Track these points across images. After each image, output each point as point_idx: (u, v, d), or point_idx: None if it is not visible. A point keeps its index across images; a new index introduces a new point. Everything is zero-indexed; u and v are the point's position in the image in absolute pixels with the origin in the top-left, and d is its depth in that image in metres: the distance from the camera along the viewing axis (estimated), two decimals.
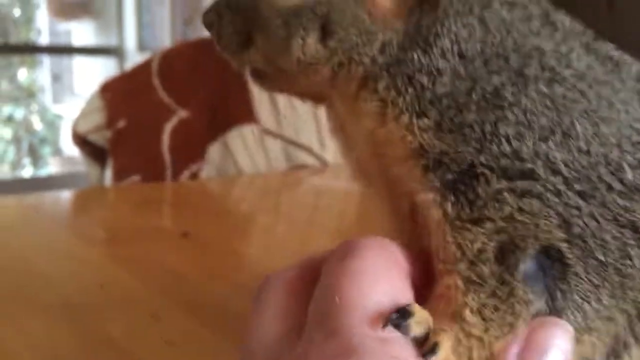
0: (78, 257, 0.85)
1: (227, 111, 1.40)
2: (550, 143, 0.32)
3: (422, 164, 0.34)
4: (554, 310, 0.32)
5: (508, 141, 0.32)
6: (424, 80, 0.34)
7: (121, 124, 1.34)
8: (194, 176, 1.40)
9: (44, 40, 6.07)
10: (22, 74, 6.16)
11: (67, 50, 6.03)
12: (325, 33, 0.36)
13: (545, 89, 0.33)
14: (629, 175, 0.33)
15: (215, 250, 0.89)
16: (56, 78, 6.11)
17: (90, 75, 5.79)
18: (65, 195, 1.37)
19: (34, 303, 0.68)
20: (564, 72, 0.34)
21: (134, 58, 5.22)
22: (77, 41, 5.89)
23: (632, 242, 0.32)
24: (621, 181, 0.32)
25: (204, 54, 1.43)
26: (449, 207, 0.32)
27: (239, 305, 0.71)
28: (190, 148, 1.38)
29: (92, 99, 1.39)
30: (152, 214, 1.09)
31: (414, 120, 0.34)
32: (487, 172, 0.32)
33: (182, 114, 1.38)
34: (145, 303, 0.70)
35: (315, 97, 0.41)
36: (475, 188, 0.32)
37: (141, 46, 5.14)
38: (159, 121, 1.36)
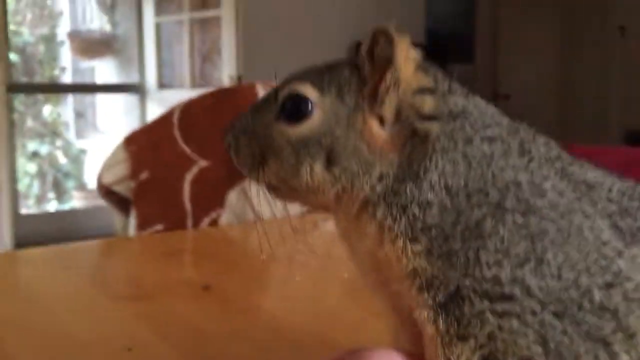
0: (104, 316, 0.89)
1: None
2: (526, 269, 0.37)
3: (417, 285, 0.39)
4: None
5: (489, 268, 0.37)
6: (416, 210, 0.39)
7: (144, 175, 1.40)
8: (214, 223, 1.45)
9: (67, 77, 6.22)
10: (47, 111, 6.32)
11: (90, 88, 6.18)
12: (329, 162, 0.41)
13: (520, 220, 0.38)
14: (597, 296, 0.37)
15: (234, 306, 0.93)
16: (79, 114, 6.25)
17: (113, 111, 5.92)
18: (91, 245, 1.42)
19: None
20: (538, 202, 0.39)
21: (155, 95, 5.33)
22: (100, 78, 6.04)
23: (604, 354, 0.37)
24: (590, 301, 0.37)
25: (222, 104, 1.48)
26: (440, 324, 0.38)
27: None
28: (210, 196, 1.43)
29: (116, 151, 1.44)
30: (175, 266, 1.13)
31: (408, 245, 0.39)
32: (471, 294, 0.37)
33: (202, 163, 1.43)
34: None
35: (325, 209, 0.45)
36: (462, 308, 0.37)
37: (161, 83, 5.25)
38: (180, 172, 1.41)
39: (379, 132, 0.42)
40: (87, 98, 6.25)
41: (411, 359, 0.40)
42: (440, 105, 0.42)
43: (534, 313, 0.36)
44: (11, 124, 5.12)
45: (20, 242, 5.06)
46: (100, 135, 6.13)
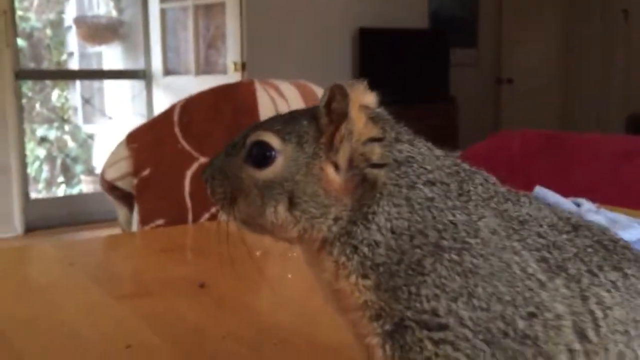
0: (106, 313, 0.95)
1: None
2: (459, 302, 0.42)
3: (367, 315, 0.44)
4: None
5: (428, 301, 0.42)
6: (365, 250, 0.45)
7: (146, 172, 1.45)
8: (214, 217, 1.50)
9: (75, 62, 6.27)
10: (55, 96, 6.38)
11: (97, 74, 6.23)
12: (291, 204, 0.47)
13: (456, 258, 0.43)
14: (520, 325, 0.42)
15: (228, 304, 0.99)
16: (87, 100, 6.31)
17: (119, 97, 5.97)
18: (96, 241, 1.47)
19: None
20: (471, 241, 0.44)
21: (161, 81, 5.37)
22: (107, 64, 6.09)
23: None
24: (514, 330, 0.42)
25: (221, 102, 1.53)
26: (387, 350, 0.43)
27: None
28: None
29: (118, 149, 1.50)
30: (173, 263, 1.19)
31: (360, 281, 0.44)
32: (412, 324, 0.42)
33: (202, 160, 1.48)
34: None
35: (292, 243, 0.51)
36: (404, 336, 0.43)
37: (167, 70, 5.29)
38: (180, 168, 1.46)
39: (334, 178, 0.46)
40: (94, 84, 6.31)
41: None
42: (386, 154, 0.47)
43: (466, 340, 0.41)
44: (20, 110, 5.19)
45: (30, 226, 5.15)
46: (107, 120, 6.19)
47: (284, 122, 0.49)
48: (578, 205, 1.28)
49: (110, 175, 1.48)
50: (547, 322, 0.42)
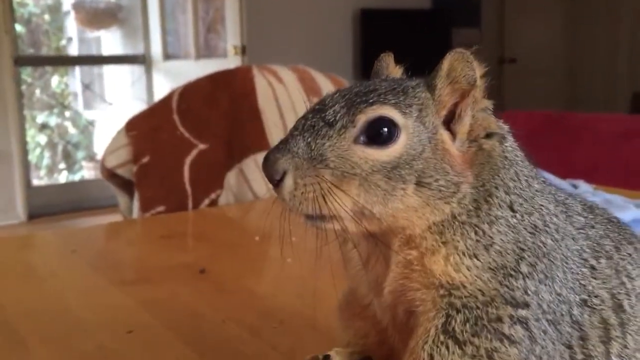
0: (110, 301, 0.96)
1: (242, 141, 1.51)
2: (544, 285, 0.43)
3: (440, 293, 0.43)
4: None
5: (523, 278, 0.43)
6: (486, 227, 0.43)
7: (145, 159, 1.46)
8: (213, 203, 1.51)
9: (74, 48, 6.25)
10: (55, 82, 6.36)
11: (97, 60, 6.21)
12: (419, 184, 0.43)
13: (544, 240, 0.44)
14: (575, 311, 0.44)
15: (227, 289, 1.00)
16: (87, 86, 6.30)
17: (119, 82, 5.96)
18: (97, 228, 1.49)
19: (72, 350, 0.80)
20: (551, 225, 0.45)
21: (160, 66, 5.36)
22: (106, 49, 6.07)
23: (567, 357, 0.44)
24: (570, 315, 0.44)
25: (219, 89, 1.53)
26: (441, 324, 0.42)
27: (248, 347, 0.81)
28: (210, 178, 1.49)
29: (118, 136, 1.50)
30: (173, 249, 1.20)
31: (464, 261, 0.43)
32: (500, 300, 0.42)
33: (201, 147, 1.49)
34: (166, 348, 0.80)
35: (365, 236, 0.47)
36: (487, 313, 0.42)
37: (166, 54, 5.27)
38: (180, 155, 1.47)
39: (455, 151, 0.44)
40: (94, 69, 6.29)
41: None
42: (499, 124, 0.47)
43: (537, 320, 0.42)
44: (19, 96, 5.18)
45: (33, 213, 5.17)
46: (107, 106, 6.18)
47: (395, 94, 0.45)
48: (575, 187, 1.29)
49: (110, 163, 1.49)
50: (594, 308, 0.45)
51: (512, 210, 0.44)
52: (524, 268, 0.43)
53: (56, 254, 1.21)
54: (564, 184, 1.28)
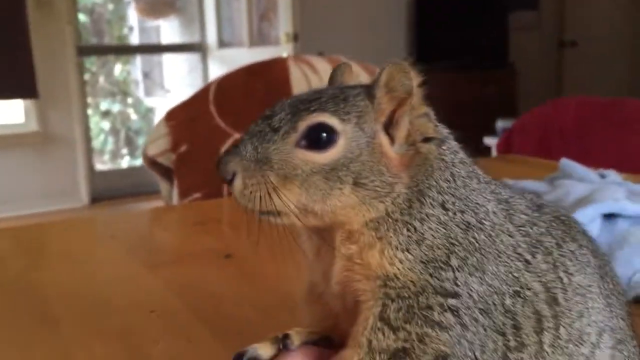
0: (139, 283, 1.03)
1: None
2: (474, 277, 0.47)
3: (386, 284, 0.47)
4: None
5: (453, 271, 0.46)
6: (417, 224, 0.47)
7: (183, 148, 1.53)
8: None
9: (135, 37, 6.45)
10: (117, 70, 6.60)
11: (155, 48, 6.40)
12: (356, 184, 0.47)
13: (476, 236, 0.47)
14: (507, 302, 0.47)
15: (250, 272, 1.05)
16: (146, 74, 6.50)
17: (177, 70, 6.12)
18: (137, 214, 1.56)
19: (98, 327, 0.87)
20: (487, 222, 0.48)
21: (215, 54, 5.48)
22: (165, 37, 6.24)
23: (500, 344, 0.47)
24: (502, 305, 0.47)
25: (255, 80, 1.58)
26: (384, 312, 0.46)
27: (262, 331, 0.86)
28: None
29: (158, 126, 1.58)
30: (204, 235, 1.26)
31: (397, 254, 0.46)
32: (430, 290, 0.46)
33: (236, 136, 1.54)
34: (185, 328, 0.86)
35: (312, 230, 0.51)
36: (417, 302, 0.45)
37: (221, 42, 5.38)
38: (216, 144, 1.53)
39: (392, 154, 0.48)
40: (153, 57, 6.48)
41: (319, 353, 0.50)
42: (436, 129, 0.50)
43: (468, 308, 0.45)
44: (82, 85, 5.41)
45: (96, 197, 5.41)
46: (166, 93, 6.37)
47: (335, 102, 0.48)
48: (603, 176, 1.27)
49: (151, 152, 1.57)
50: (526, 299, 0.48)
51: (444, 208, 0.47)
52: (454, 261, 0.46)
53: (96, 239, 1.29)
54: (591, 174, 1.27)
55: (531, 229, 0.51)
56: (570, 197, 1.11)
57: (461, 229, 0.47)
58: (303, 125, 0.48)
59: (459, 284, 0.46)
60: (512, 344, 0.47)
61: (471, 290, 0.46)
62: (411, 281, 0.46)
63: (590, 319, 0.50)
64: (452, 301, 0.45)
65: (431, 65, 6.10)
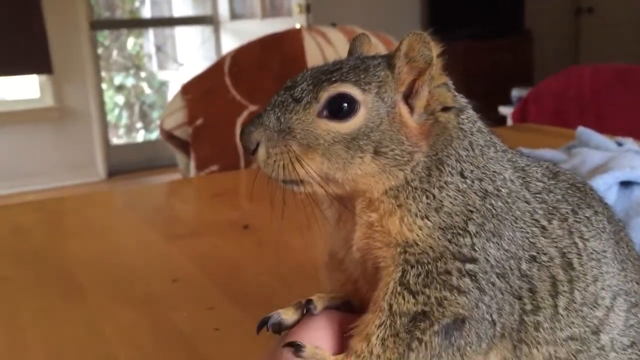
0: (160, 253, 1.05)
1: None
2: (491, 242, 0.48)
3: (397, 251, 0.48)
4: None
5: (471, 237, 0.47)
6: (436, 192, 0.48)
7: (199, 121, 1.54)
8: None
9: (147, 9, 6.43)
10: (130, 44, 6.59)
11: (167, 21, 6.38)
12: (377, 153, 0.48)
13: (494, 203, 0.48)
14: (523, 266, 0.49)
15: (268, 242, 1.07)
16: (159, 47, 6.49)
17: (190, 43, 6.11)
18: (156, 187, 1.59)
19: (122, 295, 0.89)
20: (503, 190, 0.49)
21: (228, 26, 5.45)
22: (176, 10, 6.22)
23: (517, 307, 0.48)
24: (519, 269, 0.49)
25: (269, 51, 1.58)
26: (398, 278, 0.47)
27: (280, 298, 0.88)
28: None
29: (174, 99, 1.59)
30: (222, 206, 1.28)
31: (417, 221, 0.47)
32: (449, 256, 0.47)
33: (252, 108, 1.55)
34: (205, 296, 0.88)
35: (334, 199, 0.51)
36: (436, 267, 0.47)
37: (233, 14, 5.35)
38: (231, 117, 1.54)
39: (412, 124, 0.48)
40: (165, 31, 6.47)
41: (343, 315, 0.52)
42: (455, 98, 0.50)
43: (485, 272, 0.47)
44: (96, 59, 5.42)
45: (112, 171, 5.46)
46: (179, 66, 6.36)
47: (356, 72, 0.49)
48: (620, 144, 1.27)
49: (168, 125, 1.58)
50: (542, 264, 0.49)
51: (462, 176, 0.48)
52: (472, 228, 0.47)
53: (117, 211, 1.32)
54: (608, 141, 1.27)
55: (547, 196, 0.52)
56: (587, 165, 1.11)
57: (479, 196, 0.48)
58: (325, 95, 0.48)
59: (477, 249, 0.47)
60: (529, 307, 0.49)
61: (488, 255, 0.47)
62: (430, 247, 0.47)
63: (605, 283, 0.51)
64: (470, 266, 0.47)
65: (445, 33, 6.04)
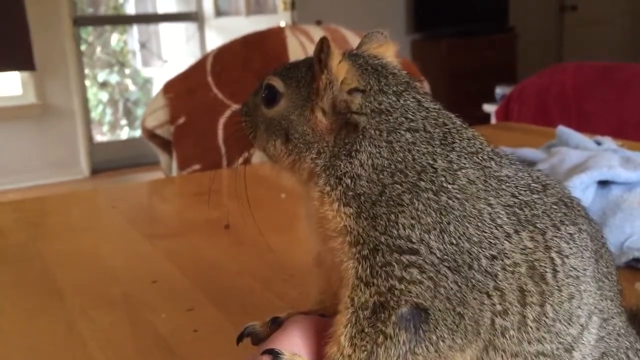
0: (140, 253, 1.05)
1: None
2: (431, 235, 0.48)
3: (347, 241, 0.50)
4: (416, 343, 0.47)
5: (404, 229, 0.48)
6: (348, 182, 0.51)
7: (182, 120, 1.53)
8: (247, 161, 1.57)
9: (131, 6, 6.39)
10: (114, 40, 6.54)
11: (151, 18, 6.33)
12: (286, 139, 0.55)
13: (432, 197, 0.49)
14: (483, 262, 0.49)
15: (248, 243, 1.07)
16: (143, 44, 6.45)
17: (174, 40, 6.07)
18: (137, 186, 1.58)
19: (102, 297, 0.89)
20: (449, 186, 0.50)
21: (212, 23, 5.43)
22: (161, 7, 6.18)
23: (488, 302, 0.49)
24: (479, 265, 0.49)
25: (252, 50, 1.58)
26: (358, 272, 0.49)
27: (260, 298, 0.88)
28: (243, 137, 1.55)
29: (156, 98, 1.58)
30: (203, 206, 1.28)
31: (341, 208, 0.50)
32: (385, 248, 0.48)
33: (234, 107, 1.55)
34: (185, 297, 0.88)
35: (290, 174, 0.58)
36: (375, 259, 0.48)
37: (218, 11, 5.33)
38: (214, 115, 1.53)
39: (321, 120, 0.53)
40: (150, 27, 6.42)
41: (317, 320, 0.52)
42: (366, 104, 0.52)
43: (432, 264, 0.47)
44: (79, 56, 5.37)
45: (96, 168, 5.42)
46: (163, 63, 6.32)
47: (289, 68, 0.57)
48: (599, 143, 1.28)
49: (150, 124, 1.57)
50: (506, 267, 0.49)
51: (375, 169, 0.50)
52: (402, 219, 0.48)
53: (98, 209, 1.31)
54: (587, 141, 1.28)
55: (521, 210, 0.52)
56: (565, 164, 1.12)
57: (406, 188, 0.49)
58: (264, 84, 0.57)
59: (414, 241, 0.48)
60: (498, 307, 0.49)
61: (431, 247, 0.48)
62: (364, 236, 0.49)
63: (582, 302, 0.51)
64: (410, 257, 0.48)
65: (430, 31, 6.06)
